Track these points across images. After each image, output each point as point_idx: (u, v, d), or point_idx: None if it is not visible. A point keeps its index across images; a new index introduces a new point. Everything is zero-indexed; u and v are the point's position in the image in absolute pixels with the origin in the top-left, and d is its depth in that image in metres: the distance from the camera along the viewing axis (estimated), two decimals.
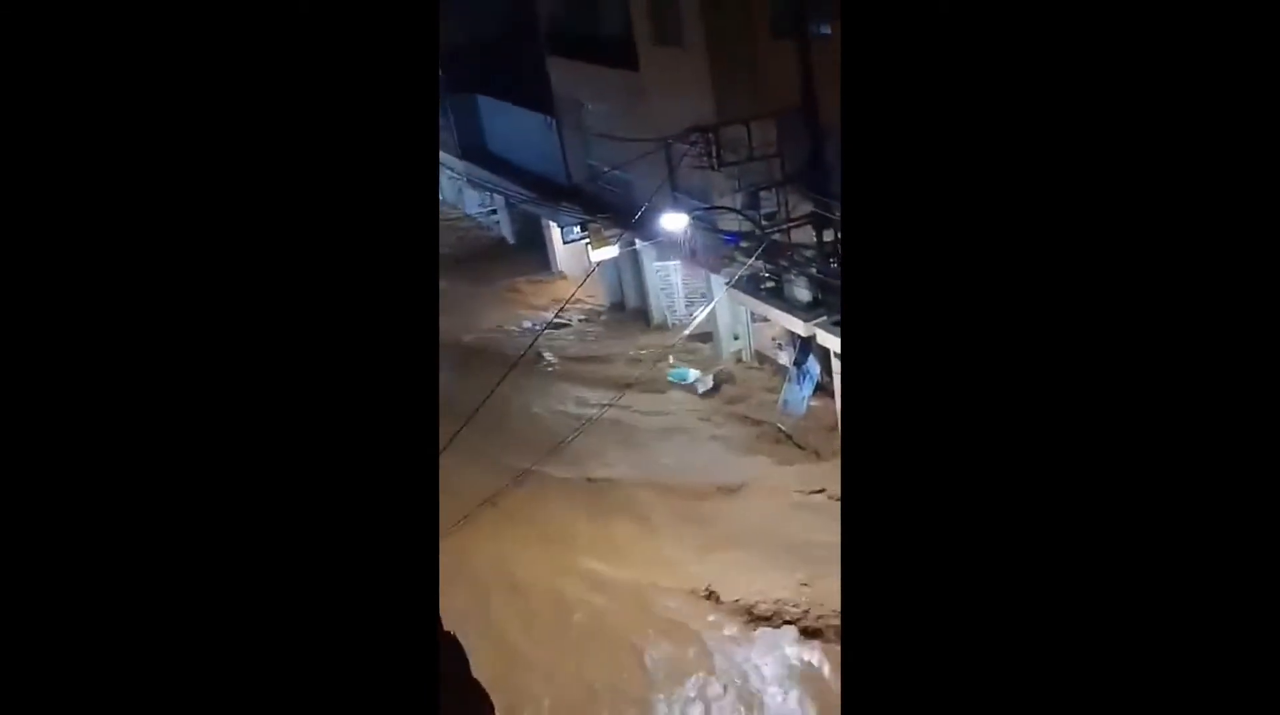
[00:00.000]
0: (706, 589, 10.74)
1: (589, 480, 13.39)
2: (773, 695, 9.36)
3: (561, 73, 17.74)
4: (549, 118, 18.66)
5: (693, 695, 9.51)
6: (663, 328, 17.66)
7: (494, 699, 9.21)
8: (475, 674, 9.66)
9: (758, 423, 14.12)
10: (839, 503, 11.30)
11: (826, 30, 11.99)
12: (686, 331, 16.69)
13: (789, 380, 14.41)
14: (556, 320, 17.82)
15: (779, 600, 10.35)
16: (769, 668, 9.66)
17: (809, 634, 9.91)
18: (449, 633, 3.37)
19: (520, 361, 14.31)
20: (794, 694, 9.33)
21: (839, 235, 12.61)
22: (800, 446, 13.38)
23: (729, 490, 12.66)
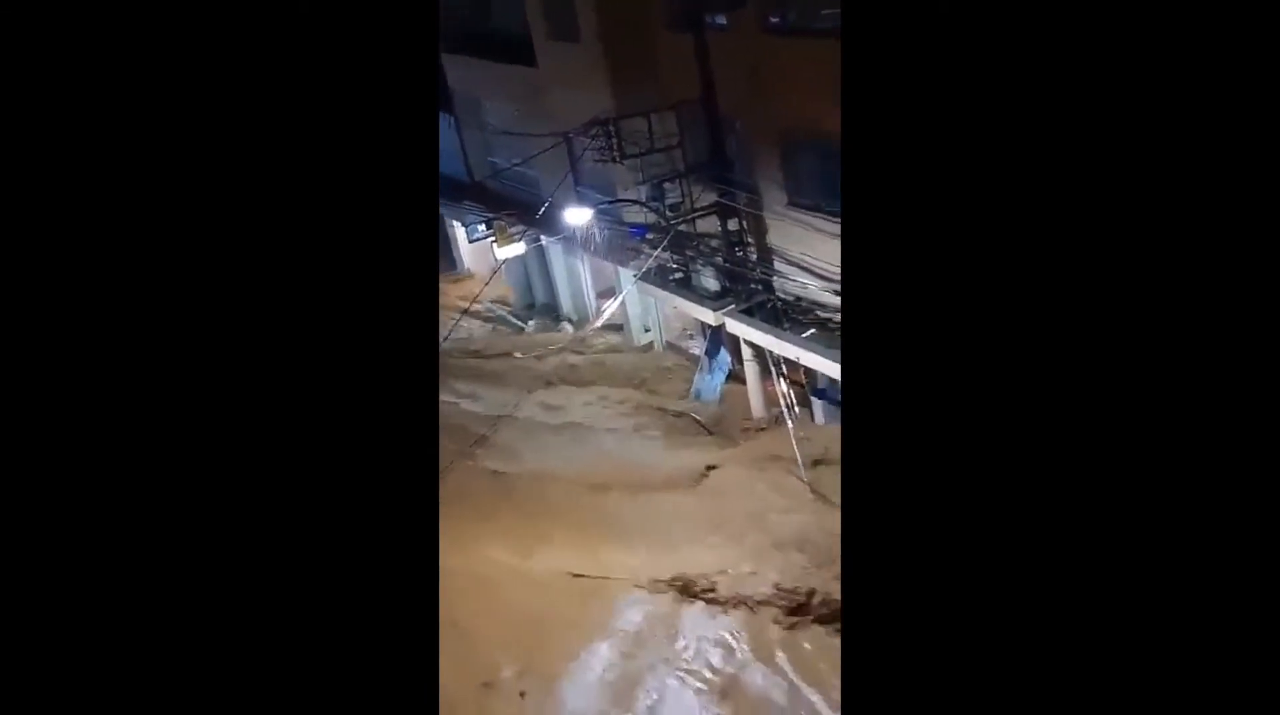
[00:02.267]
0: (640, 575, 10.80)
1: (497, 473, 13.33)
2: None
3: (458, 70, 17.59)
4: (447, 116, 18.48)
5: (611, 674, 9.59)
6: (572, 322, 17.66)
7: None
8: None
9: (676, 415, 14.23)
10: (764, 487, 11.56)
11: (722, 21, 12.13)
12: (596, 324, 16.74)
13: (701, 370, 14.56)
14: (467, 316, 17.69)
15: (708, 577, 10.46)
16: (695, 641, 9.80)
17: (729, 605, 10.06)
18: None
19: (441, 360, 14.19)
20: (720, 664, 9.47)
21: (744, 223, 12.79)
22: (713, 433, 13.54)
23: (648, 480, 12.74)
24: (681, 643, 9.81)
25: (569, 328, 17.55)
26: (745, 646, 9.59)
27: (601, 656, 9.88)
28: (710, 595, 10.35)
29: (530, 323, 18.02)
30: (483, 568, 11.31)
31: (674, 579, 10.63)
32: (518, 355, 16.85)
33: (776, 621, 9.82)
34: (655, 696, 9.36)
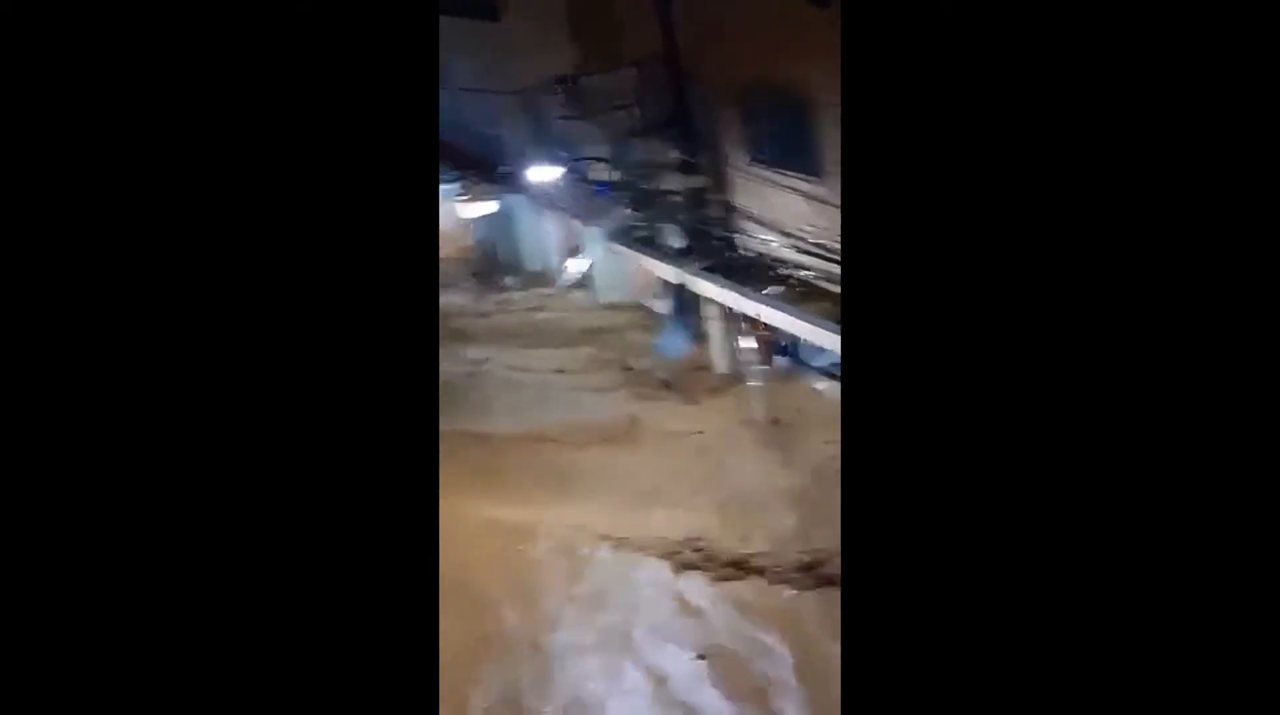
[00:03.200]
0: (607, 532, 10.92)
1: (473, 435, 13.40)
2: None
3: None
4: None
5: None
6: (538, 281, 17.66)
7: None
8: None
9: (633, 371, 14.32)
10: (727, 446, 11.68)
11: None
12: (564, 282, 16.76)
13: (664, 329, 14.63)
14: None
15: (692, 540, 10.60)
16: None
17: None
18: None
19: None
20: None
21: (706, 181, 12.81)
22: (673, 389, 13.65)
23: (612, 436, 12.84)
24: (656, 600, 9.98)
25: (532, 286, 17.53)
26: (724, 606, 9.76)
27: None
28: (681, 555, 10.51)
29: (513, 279, 17.99)
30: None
31: (654, 541, 10.78)
32: (483, 314, 16.85)
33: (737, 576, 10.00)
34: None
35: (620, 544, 10.73)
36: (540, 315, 16.34)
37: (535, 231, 17.62)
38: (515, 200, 16.49)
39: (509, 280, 17.98)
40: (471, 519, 11.27)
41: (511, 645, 9.67)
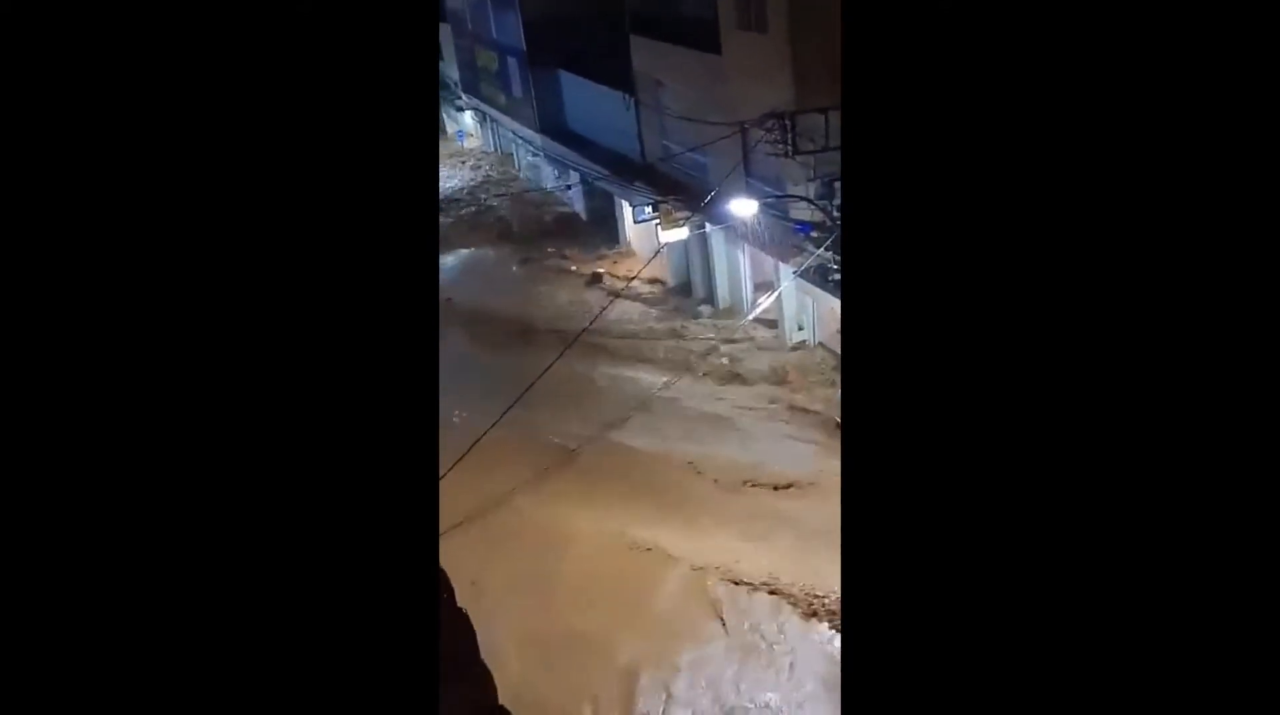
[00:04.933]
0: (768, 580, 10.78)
1: (637, 451, 13.49)
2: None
3: (643, 52, 17.75)
4: (628, 96, 18.69)
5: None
6: (727, 312, 17.65)
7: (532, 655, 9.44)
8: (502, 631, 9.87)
9: (819, 416, 14.08)
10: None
11: None
12: (750, 317, 16.68)
13: None
14: (622, 297, 17.90)
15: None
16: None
17: None
18: (461, 610, 3.37)
19: (582, 336, 14.44)
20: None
21: None
22: None
23: (782, 481, 12.66)
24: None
25: (721, 317, 17.53)
26: None
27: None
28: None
29: (702, 308, 18.09)
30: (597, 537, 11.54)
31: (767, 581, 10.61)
32: (669, 340, 16.96)
33: None
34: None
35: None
36: (725, 347, 16.30)
37: (730, 263, 17.63)
38: (714, 230, 16.55)
39: (703, 308, 18.07)
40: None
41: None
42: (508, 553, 11.54)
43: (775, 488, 12.51)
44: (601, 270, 20.36)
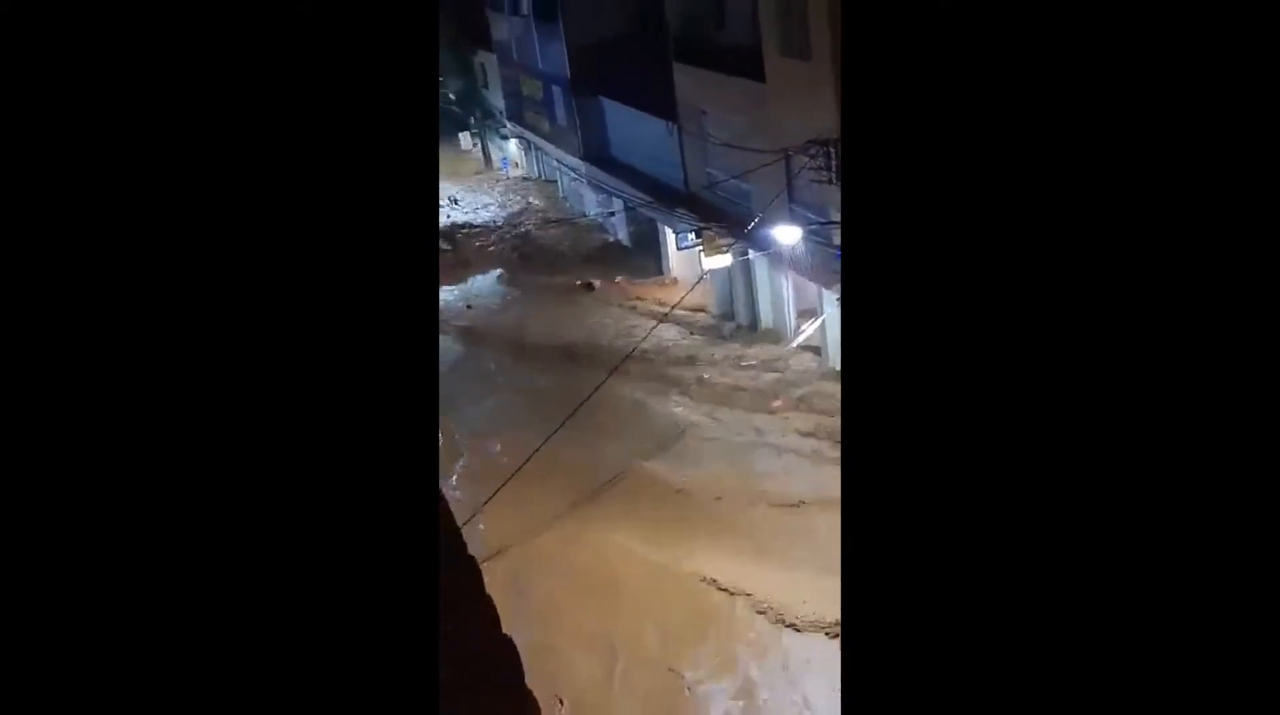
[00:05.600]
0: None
1: (680, 486, 13.42)
2: None
3: (686, 79, 17.83)
4: (671, 124, 18.77)
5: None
6: (771, 338, 17.59)
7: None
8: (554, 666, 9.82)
9: None
10: None
11: None
12: (794, 343, 16.61)
13: None
14: (664, 322, 17.93)
15: None
16: None
17: None
18: (506, 636, 3.34)
19: (624, 362, 14.46)
20: None
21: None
22: None
23: (820, 504, 12.54)
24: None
25: (763, 342, 17.47)
26: None
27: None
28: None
29: (727, 328, 18.07)
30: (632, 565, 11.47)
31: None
32: (709, 367, 16.92)
33: None
34: None
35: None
36: (768, 375, 16.22)
37: (774, 290, 17.59)
38: (757, 257, 16.53)
39: (727, 328, 18.03)
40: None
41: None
42: (560, 591, 11.52)
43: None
44: (644, 295, 20.41)
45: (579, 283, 21.18)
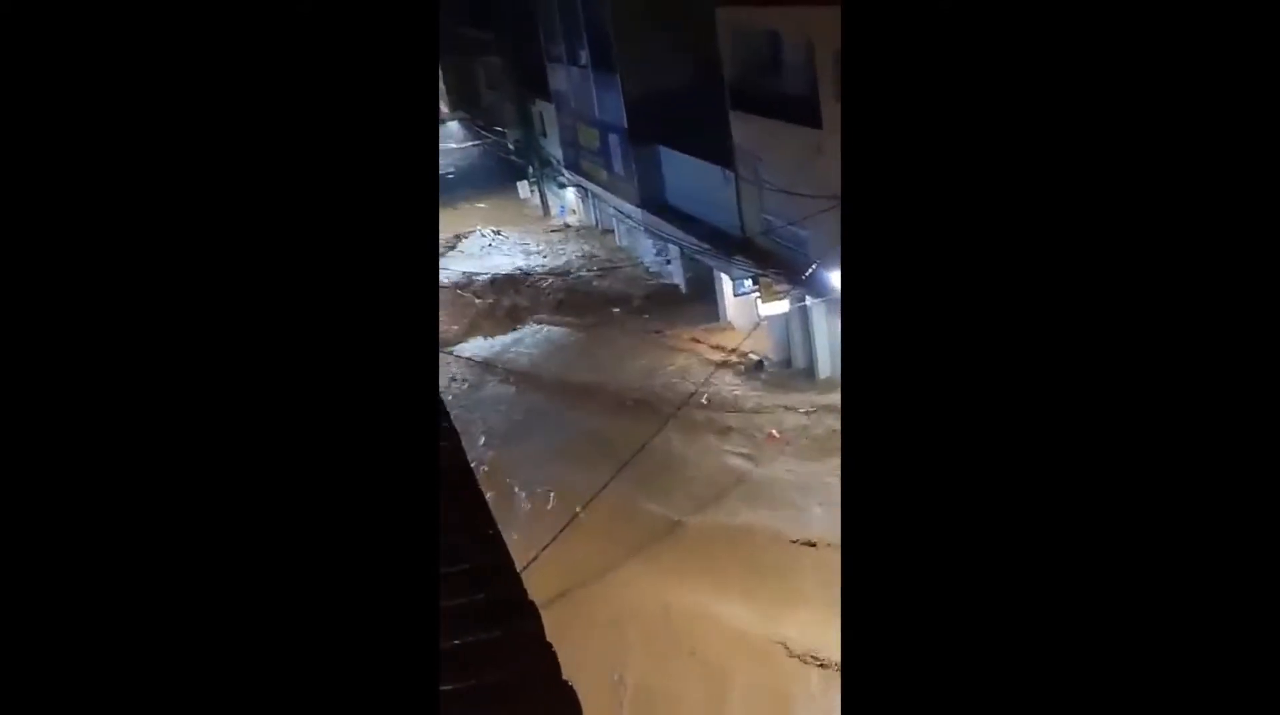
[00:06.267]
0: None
1: (741, 530, 13.28)
2: None
3: (742, 127, 17.94)
4: (727, 170, 18.86)
5: None
6: (829, 387, 17.45)
7: None
8: None
9: None
10: None
11: None
12: None
13: None
14: (724, 367, 17.87)
15: None
16: None
17: None
18: (567, 683, 3.32)
19: (683, 409, 14.42)
20: None
21: None
22: None
23: None
24: None
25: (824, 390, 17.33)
26: None
27: None
28: None
29: (769, 370, 17.97)
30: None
31: None
32: (770, 413, 16.81)
33: None
34: None
35: None
36: (826, 422, 16.07)
37: (831, 336, 17.48)
38: (815, 303, 16.46)
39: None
40: None
41: None
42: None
43: None
44: (701, 339, 20.40)
45: (650, 330, 21.09)
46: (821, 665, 10.76)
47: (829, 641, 10.83)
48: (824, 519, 13.38)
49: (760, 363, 18.38)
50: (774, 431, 14.95)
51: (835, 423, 15.95)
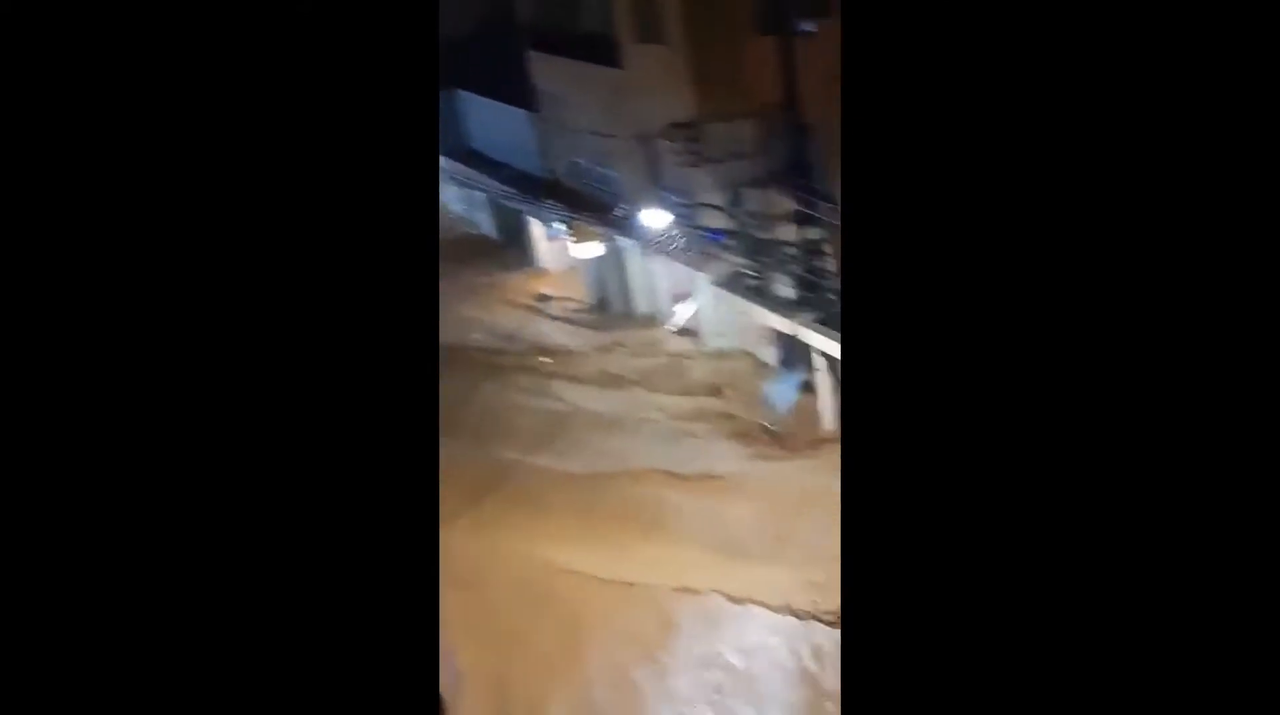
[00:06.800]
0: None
1: (563, 473, 13.38)
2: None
3: (542, 69, 17.69)
4: (531, 113, 18.61)
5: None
6: (646, 324, 17.65)
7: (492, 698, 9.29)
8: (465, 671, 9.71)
9: (746, 422, 14.13)
10: (834, 499, 11.47)
11: (810, 28, 12.01)
12: (670, 327, 16.72)
13: (773, 378, 14.45)
14: (539, 314, 17.81)
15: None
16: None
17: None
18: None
19: (498, 356, 14.31)
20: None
21: (822, 233, 12.66)
22: (784, 443, 13.43)
23: (716, 484, 12.68)
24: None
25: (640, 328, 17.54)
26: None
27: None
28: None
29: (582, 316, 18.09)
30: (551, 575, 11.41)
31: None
32: (589, 356, 16.90)
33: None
34: None
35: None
36: (645, 360, 16.27)
37: (645, 275, 17.64)
38: (627, 243, 16.55)
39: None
40: None
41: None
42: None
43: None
44: (519, 289, 20.22)
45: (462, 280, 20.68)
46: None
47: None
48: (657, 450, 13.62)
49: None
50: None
51: (655, 359, 16.18)
